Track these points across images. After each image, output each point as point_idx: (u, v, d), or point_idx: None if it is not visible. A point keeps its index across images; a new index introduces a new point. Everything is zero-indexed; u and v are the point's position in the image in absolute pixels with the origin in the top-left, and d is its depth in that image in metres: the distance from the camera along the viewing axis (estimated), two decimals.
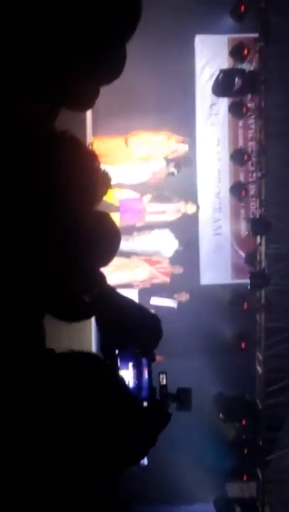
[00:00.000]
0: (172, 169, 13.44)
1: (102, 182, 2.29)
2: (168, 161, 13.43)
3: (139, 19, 2.26)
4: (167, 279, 13.87)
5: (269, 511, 14.12)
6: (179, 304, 13.69)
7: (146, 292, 13.56)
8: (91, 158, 2.28)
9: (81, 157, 2.25)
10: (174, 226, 13.75)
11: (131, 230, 13.35)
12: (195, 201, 13.87)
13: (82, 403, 2.11)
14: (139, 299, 13.20)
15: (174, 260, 13.85)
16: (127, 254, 13.33)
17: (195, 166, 14.20)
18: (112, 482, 2.23)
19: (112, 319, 2.46)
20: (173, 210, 13.69)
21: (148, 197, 13.44)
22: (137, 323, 2.55)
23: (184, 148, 13.56)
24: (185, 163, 13.72)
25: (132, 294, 13.22)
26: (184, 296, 13.78)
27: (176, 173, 13.42)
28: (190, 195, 14.06)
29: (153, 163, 13.39)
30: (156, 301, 13.51)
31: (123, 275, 13.05)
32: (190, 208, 13.72)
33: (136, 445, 2.23)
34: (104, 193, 2.29)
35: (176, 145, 13.47)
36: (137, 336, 2.53)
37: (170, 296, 13.71)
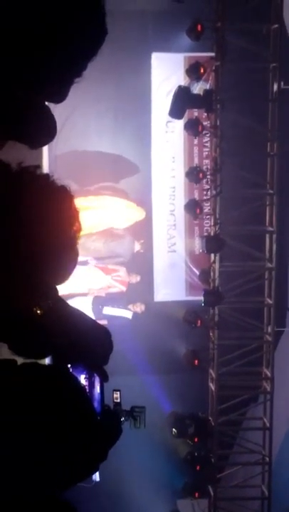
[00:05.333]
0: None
1: (69, 215, 2.27)
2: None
3: (102, 42, 2.25)
4: (124, 288, 13.85)
5: None
6: (134, 317, 13.63)
7: (99, 301, 13.49)
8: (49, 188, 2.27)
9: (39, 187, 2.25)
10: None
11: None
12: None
13: (43, 412, 2.10)
14: (93, 307, 13.17)
15: (130, 268, 13.86)
16: (84, 262, 13.29)
17: (150, 183, 14.24)
18: (61, 498, 2.21)
19: (63, 333, 2.45)
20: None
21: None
22: (89, 337, 2.53)
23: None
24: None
25: (86, 302, 13.17)
26: (140, 307, 13.75)
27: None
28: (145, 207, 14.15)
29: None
30: (109, 311, 13.44)
31: (79, 283, 13.00)
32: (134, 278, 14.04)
33: (87, 459, 2.22)
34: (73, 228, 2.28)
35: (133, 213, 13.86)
36: (87, 350, 2.51)
37: (125, 306, 13.67)
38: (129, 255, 13.92)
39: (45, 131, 2.48)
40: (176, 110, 13.07)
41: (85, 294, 13.42)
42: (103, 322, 13.09)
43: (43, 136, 2.52)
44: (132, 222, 14.07)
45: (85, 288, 13.44)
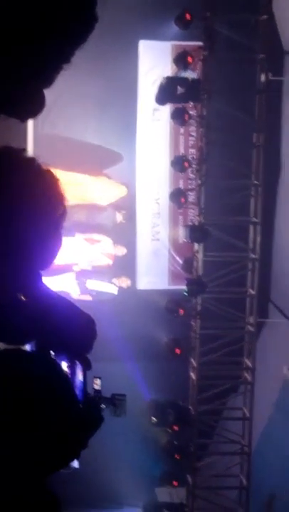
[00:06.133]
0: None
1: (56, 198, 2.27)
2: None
3: (92, 29, 2.25)
4: (110, 261, 13.71)
5: None
6: (119, 292, 13.49)
7: (84, 275, 13.30)
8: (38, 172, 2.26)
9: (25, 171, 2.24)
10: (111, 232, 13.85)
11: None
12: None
13: (20, 400, 2.09)
14: (78, 282, 12.98)
15: (115, 238, 13.82)
16: (70, 233, 12.98)
17: (135, 171, 14.21)
18: (42, 484, 2.21)
19: (46, 319, 2.44)
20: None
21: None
22: (73, 324, 2.53)
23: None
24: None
25: (70, 278, 13.00)
26: (125, 282, 13.64)
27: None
28: (128, 199, 14.13)
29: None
30: (93, 284, 13.27)
31: (65, 255, 12.68)
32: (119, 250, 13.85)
33: (68, 446, 2.21)
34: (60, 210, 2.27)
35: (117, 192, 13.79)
36: (71, 338, 2.51)
37: (110, 280, 13.50)
38: (112, 225, 13.80)
39: (33, 106, 2.47)
40: (162, 100, 13.10)
41: (70, 266, 13.18)
42: (87, 297, 13.01)
43: (31, 111, 2.51)
44: (114, 198, 14.00)
45: (71, 260, 13.14)
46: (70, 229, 12.69)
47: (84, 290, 13.03)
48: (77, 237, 13.26)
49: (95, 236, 13.59)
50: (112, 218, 13.80)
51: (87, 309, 2.58)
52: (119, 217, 13.86)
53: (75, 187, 13.18)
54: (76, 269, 13.24)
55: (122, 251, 13.78)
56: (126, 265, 14.01)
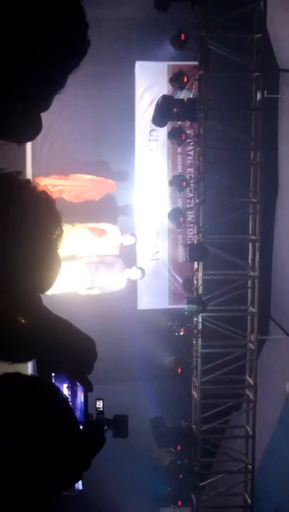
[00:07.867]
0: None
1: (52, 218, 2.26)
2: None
3: (84, 55, 2.24)
4: (116, 251, 13.52)
5: None
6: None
7: (93, 267, 13.03)
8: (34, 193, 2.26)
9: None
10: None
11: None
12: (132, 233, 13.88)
13: (19, 420, 2.09)
14: (86, 274, 12.74)
15: (124, 227, 13.77)
16: (71, 221, 12.85)
17: (133, 191, 14.25)
18: (45, 506, 2.20)
19: (47, 341, 2.44)
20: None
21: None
22: (73, 346, 2.53)
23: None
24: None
25: (78, 267, 12.73)
26: (136, 273, 13.43)
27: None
28: (127, 220, 14.17)
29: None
30: (102, 278, 13.00)
31: (66, 246, 12.30)
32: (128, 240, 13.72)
33: (70, 468, 2.21)
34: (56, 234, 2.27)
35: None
36: (71, 359, 2.51)
37: (120, 272, 13.20)
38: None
39: (29, 129, 2.47)
40: (159, 119, 13.11)
41: (74, 258, 12.87)
42: (94, 291, 12.85)
43: (28, 134, 2.51)
44: (104, 193, 13.97)
45: (73, 251, 12.83)
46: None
47: (92, 283, 12.78)
48: (79, 227, 13.17)
49: (101, 225, 13.52)
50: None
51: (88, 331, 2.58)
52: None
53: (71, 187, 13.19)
54: (82, 260, 13.02)
55: (130, 240, 13.63)
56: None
